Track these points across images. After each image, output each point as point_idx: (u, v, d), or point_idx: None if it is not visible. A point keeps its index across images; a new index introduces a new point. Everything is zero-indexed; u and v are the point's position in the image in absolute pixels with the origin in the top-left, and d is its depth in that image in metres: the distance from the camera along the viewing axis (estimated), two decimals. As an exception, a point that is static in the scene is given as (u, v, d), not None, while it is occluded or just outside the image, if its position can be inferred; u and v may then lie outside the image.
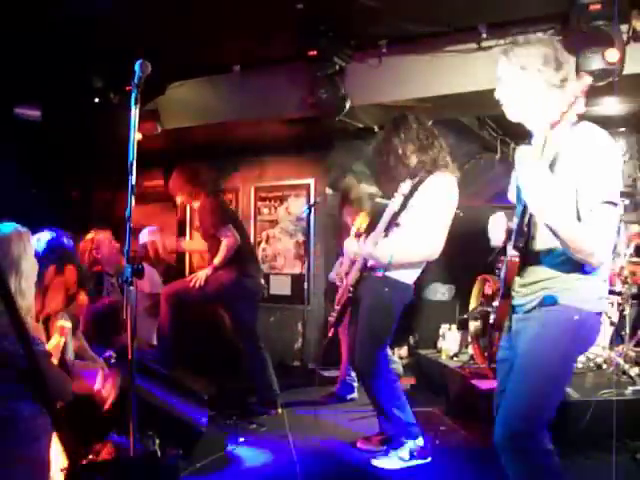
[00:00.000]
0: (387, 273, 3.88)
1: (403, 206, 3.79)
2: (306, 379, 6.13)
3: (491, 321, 2.57)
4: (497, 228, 2.68)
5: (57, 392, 2.67)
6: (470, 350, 5.87)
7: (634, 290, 4.95)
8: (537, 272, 2.40)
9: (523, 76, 2.41)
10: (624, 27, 4.49)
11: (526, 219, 2.35)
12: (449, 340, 6.26)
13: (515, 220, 2.43)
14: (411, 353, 7.45)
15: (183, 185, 5.39)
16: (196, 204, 5.40)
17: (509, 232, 2.57)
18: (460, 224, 7.70)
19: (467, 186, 8.44)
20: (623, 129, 6.23)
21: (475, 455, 4.17)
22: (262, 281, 5.50)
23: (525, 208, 2.31)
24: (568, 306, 2.34)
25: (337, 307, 4.20)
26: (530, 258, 2.39)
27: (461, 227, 7.63)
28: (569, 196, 2.23)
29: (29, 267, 2.76)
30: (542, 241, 2.37)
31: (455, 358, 6.05)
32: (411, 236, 3.84)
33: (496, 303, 2.52)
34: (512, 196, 2.78)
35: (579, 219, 2.21)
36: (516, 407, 2.39)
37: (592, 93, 4.80)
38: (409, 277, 4.00)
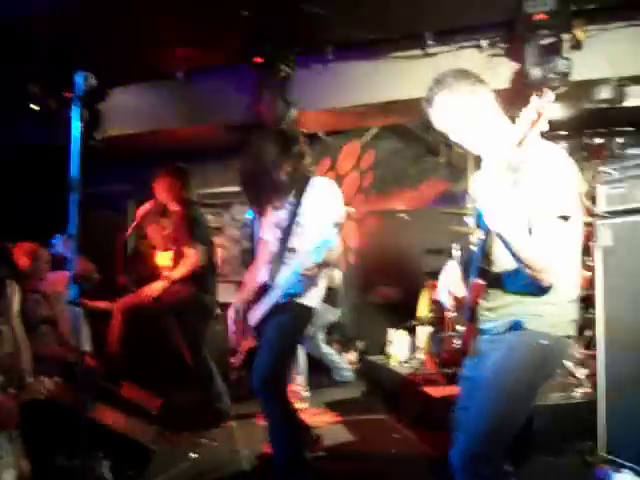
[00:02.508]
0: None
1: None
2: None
3: (455, 346, 2.52)
4: (449, 278, 2.62)
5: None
6: (420, 355, 5.89)
7: (580, 293, 5.01)
8: (502, 296, 2.38)
9: (475, 99, 2.40)
10: (567, 36, 4.58)
11: (489, 242, 2.32)
12: (398, 345, 6.26)
13: (477, 243, 2.39)
14: (360, 359, 7.45)
15: (171, 186, 5.19)
16: (176, 208, 5.22)
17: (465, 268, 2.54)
18: (405, 227, 7.81)
19: (412, 189, 8.55)
20: (565, 132, 6.33)
21: (429, 464, 4.16)
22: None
23: (487, 231, 2.28)
24: (536, 331, 2.32)
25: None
26: (494, 281, 2.36)
27: (407, 230, 7.75)
28: (524, 214, 2.22)
29: None
30: (505, 264, 2.34)
31: (405, 364, 6.05)
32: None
33: (460, 328, 2.47)
34: (472, 224, 2.76)
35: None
36: (477, 429, 2.34)
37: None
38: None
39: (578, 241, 2.39)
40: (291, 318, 3.59)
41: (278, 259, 3.60)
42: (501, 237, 2.17)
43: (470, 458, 2.31)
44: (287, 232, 3.60)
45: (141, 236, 8.14)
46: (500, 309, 2.40)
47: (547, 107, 1.99)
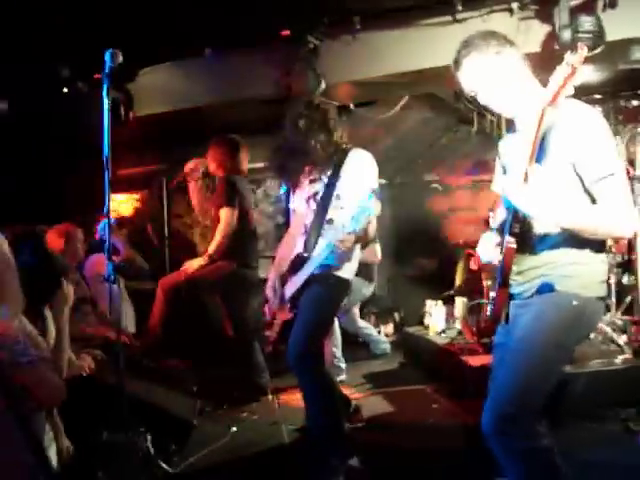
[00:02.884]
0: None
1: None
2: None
3: (488, 313, 2.50)
4: (488, 247, 2.60)
5: (47, 398, 2.63)
6: (458, 325, 5.87)
7: (618, 259, 4.95)
8: (533, 258, 2.36)
9: (501, 61, 2.35)
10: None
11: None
12: (436, 316, 6.24)
13: (508, 205, 2.36)
14: (397, 330, 7.46)
15: (220, 155, 5.22)
16: (221, 175, 5.23)
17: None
18: (441, 199, 7.76)
19: (444, 159, 8.48)
20: (599, 96, 6.19)
21: (469, 433, 4.15)
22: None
23: None
24: (567, 292, 2.29)
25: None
26: (526, 244, 2.34)
27: (439, 200, 7.70)
28: (572, 187, 2.21)
29: (3, 267, 2.68)
30: (538, 226, 2.33)
31: (443, 334, 6.04)
32: None
33: (493, 294, 2.45)
34: (497, 187, 2.72)
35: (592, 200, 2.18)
36: (505, 390, 2.34)
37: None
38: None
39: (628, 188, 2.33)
40: (327, 290, 3.58)
41: (315, 231, 3.60)
42: (563, 227, 2.17)
43: (499, 418, 2.30)
44: (325, 204, 3.59)
45: (177, 215, 8.25)
46: (530, 272, 2.37)
47: (581, 62, 1.94)
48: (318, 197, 3.64)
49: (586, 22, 4.25)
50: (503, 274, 2.36)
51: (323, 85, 5.39)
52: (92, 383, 3.50)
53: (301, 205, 3.79)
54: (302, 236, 3.70)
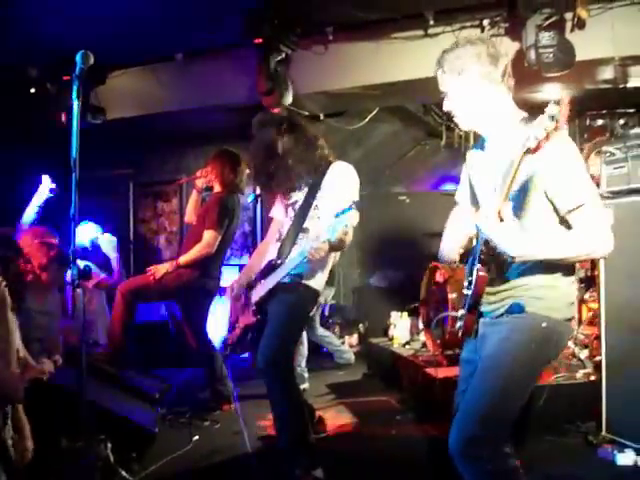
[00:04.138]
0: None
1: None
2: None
3: (457, 327, 2.51)
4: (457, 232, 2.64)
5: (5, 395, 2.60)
6: (422, 337, 5.89)
7: (581, 274, 5.02)
8: (504, 281, 2.37)
9: (462, 80, 2.36)
10: (569, 15, 4.54)
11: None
12: (400, 328, 6.26)
13: (479, 234, 2.38)
14: (362, 341, 7.46)
15: (221, 168, 5.15)
16: (217, 189, 5.19)
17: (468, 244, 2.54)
18: (406, 210, 7.80)
19: (413, 172, 8.54)
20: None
21: (432, 444, 4.17)
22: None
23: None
24: (536, 314, 2.31)
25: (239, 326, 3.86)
26: (496, 267, 2.35)
27: (407, 213, 7.74)
28: (547, 216, 2.24)
29: None
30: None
31: (407, 346, 6.06)
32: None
33: (462, 312, 2.46)
34: (462, 198, 2.73)
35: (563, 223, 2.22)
36: (472, 412, 2.32)
37: (535, 80, 4.86)
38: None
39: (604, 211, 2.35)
40: (296, 298, 3.58)
41: (289, 239, 3.60)
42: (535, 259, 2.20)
43: (466, 440, 2.29)
44: (303, 213, 3.60)
45: (142, 220, 8.19)
46: (501, 293, 2.38)
47: (565, 116, 1.96)
48: (297, 206, 3.65)
49: (548, 49, 4.33)
50: (474, 300, 2.38)
51: (291, 95, 5.39)
52: (52, 388, 3.43)
53: (279, 213, 3.80)
54: (276, 243, 3.71)
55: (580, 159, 2.24)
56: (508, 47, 4.88)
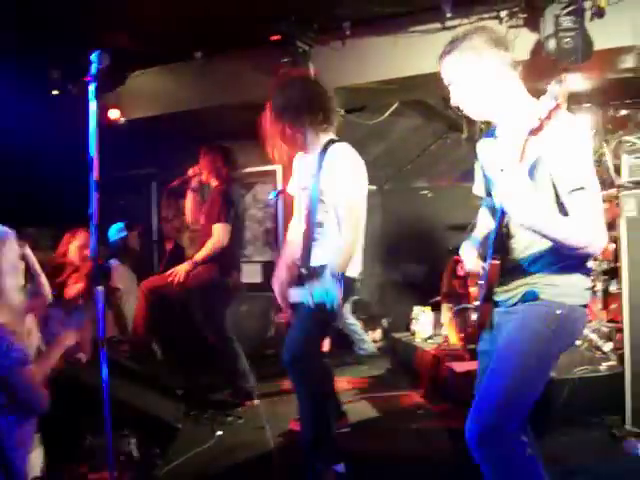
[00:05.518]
0: None
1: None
2: (280, 367, 6.04)
3: (474, 319, 2.50)
4: (469, 257, 2.62)
5: (31, 404, 2.65)
6: (444, 332, 5.87)
7: (604, 266, 4.97)
8: (517, 271, 2.36)
9: (480, 63, 2.33)
10: (588, 4, 4.49)
11: (504, 221, 2.31)
12: (422, 322, 6.25)
13: (491, 221, 2.37)
14: (385, 336, 7.46)
15: (213, 162, 5.19)
16: (214, 184, 5.23)
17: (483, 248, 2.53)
18: (428, 204, 7.78)
19: (434, 166, 8.50)
20: (588, 105, 6.23)
21: (455, 438, 4.16)
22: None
23: (502, 212, 2.27)
24: (551, 301, 2.30)
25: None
26: (510, 259, 2.35)
27: (429, 207, 7.72)
28: (550, 196, 2.21)
29: (8, 267, 2.78)
30: (520, 241, 2.35)
31: (429, 340, 6.05)
32: None
33: (477, 303, 2.45)
34: (478, 190, 2.73)
35: (562, 211, 2.18)
36: (488, 400, 2.31)
37: (555, 71, 4.82)
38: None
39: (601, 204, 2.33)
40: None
41: (307, 238, 3.57)
42: (534, 230, 2.16)
43: (482, 428, 2.28)
44: (313, 207, 3.54)
45: (166, 219, 8.24)
46: (515, 281, 2.38)
47: (565, 94, 1.95)
48: (308, 193, 3.59)
49: (569, 32, 4.28)
50: (488, 289, 2.38)
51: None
52: (76, 385, 3.48)
53: (296, 192, 3.79)
54: (299, 243, 3.65)
55: (586, 143, 2.22)
56: (526, 38, 4.86)
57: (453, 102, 2.46)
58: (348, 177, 3.42)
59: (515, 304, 2.39)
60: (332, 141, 3.53)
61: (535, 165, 2.19)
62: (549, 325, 2.29)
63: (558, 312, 2.29)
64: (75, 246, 5.10)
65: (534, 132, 2.02)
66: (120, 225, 6.53)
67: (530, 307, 2.33)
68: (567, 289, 2.31)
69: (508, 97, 2.38)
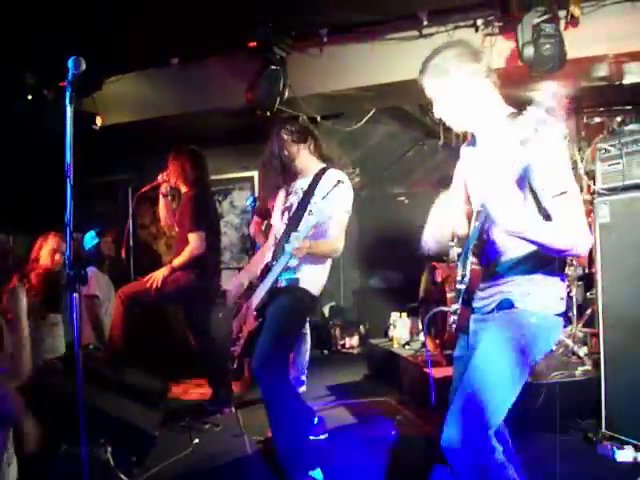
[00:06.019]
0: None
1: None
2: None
3: (451, 323, 2.51)
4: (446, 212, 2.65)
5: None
6: (421, 337, 5.89)
7: (579, 272, 5.02)
8: (494, 276, 2.38)
9: (449, 81, 2.38)
10: (562, 13, 4.55)
11: (485, 226, 2.32)
12: (400, 328, 6.27)
13: (472, 225, 2.38)
14: (363, 342, 7.47)
15: (182, 167, 5.10)
16: (185, 189, 5.16)
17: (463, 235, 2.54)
18: (405, 210, 7.81)
19: (411, 172, 8.55)
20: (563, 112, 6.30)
21: (432, 445, 4.16)
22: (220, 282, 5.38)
23: (484, 215, 2.27)
24: (526, 310, 2.32)
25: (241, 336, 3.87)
26: (488, 263, 2.37)
27: (406, 213, 7.74)
28: (533, 203, 2.23)
29: None
30: (499, 246, 2.37)
31: (407, 346, 6.07)
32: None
33: (456, 307, 2.46)
34: (458, 191, 2.74)
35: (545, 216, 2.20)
36: (463, 407, 2.32)
37: (530, 78, 4.87)
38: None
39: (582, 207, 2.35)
40: (294, 302, 3.61)
41: (283, 241, 3.61)
42: (521, 236, 2.16)
43: (457, 436, 2.29)
44: (297, 217, 3.62)
45: (142, 225, 8.19)
46: (490, 289, 2.40)
47: (560, 105, 1.97)
48: (292, 210, 3.70)
49: (550, 39, 4.32)
50: (468, 294, 2.38)
51: (284, 98, 5.39)
52: (52, 392, 3.44)
53: (276, 217, 3.87)
54: (272, 247, 3.77)
55: (566, 154, 2.25)
56: (503, 46, 4.91)
57: (436, 116, 2.50)
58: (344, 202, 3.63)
59: (491, 311, 2.41)
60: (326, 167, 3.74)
61: (522, 173, 2.20)
62: (524, 333, 2.31)
63: (533, 320, 2.31)
64: (47, 250, 5.05)
65: (523, 142, 2.03)
66: (92, 233, 6.49)
67: (506, 315, 2.35)
68: (542, 298, 2.33)
69: (484, 108, 2.41)
